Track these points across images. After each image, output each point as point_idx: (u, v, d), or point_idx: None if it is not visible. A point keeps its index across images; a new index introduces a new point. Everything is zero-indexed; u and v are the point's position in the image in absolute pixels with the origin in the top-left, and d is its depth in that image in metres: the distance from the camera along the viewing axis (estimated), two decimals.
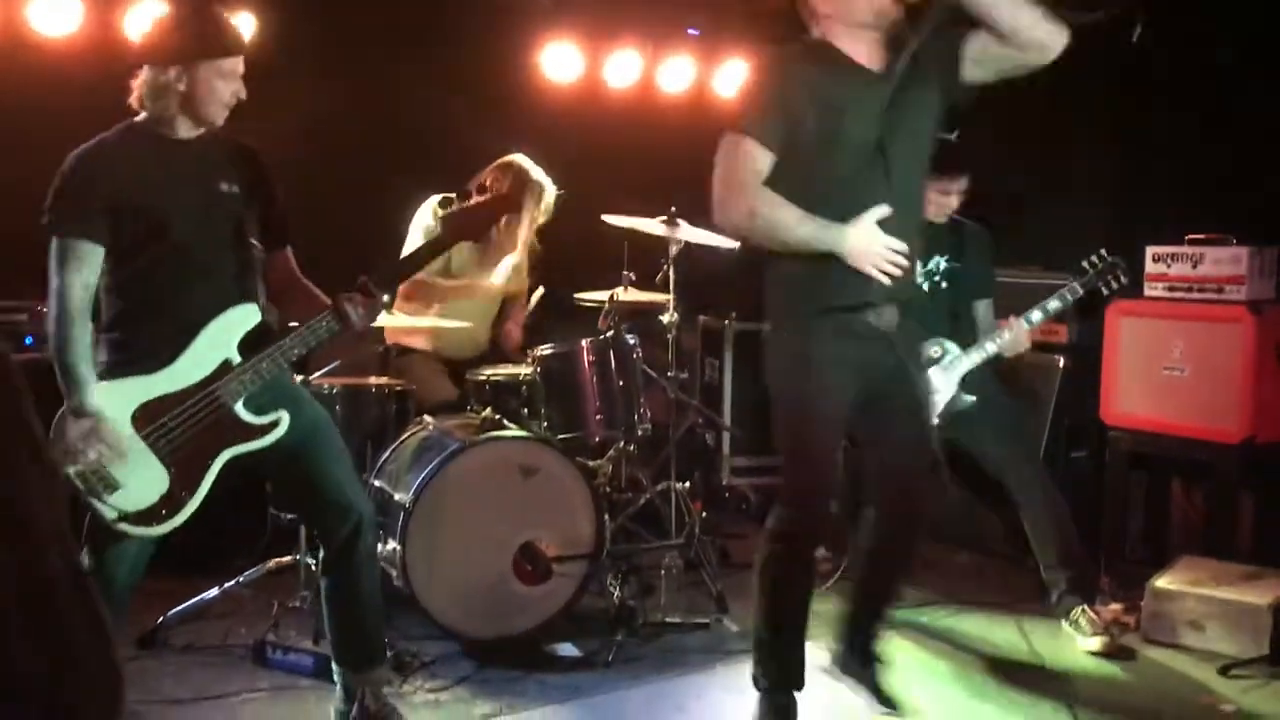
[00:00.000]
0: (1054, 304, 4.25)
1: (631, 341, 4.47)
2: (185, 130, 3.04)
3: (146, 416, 2.96)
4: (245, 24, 4.99)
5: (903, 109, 2.96)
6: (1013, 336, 4.25)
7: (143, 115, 3.04)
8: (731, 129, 2.91)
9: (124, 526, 2.93)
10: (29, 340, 4.34)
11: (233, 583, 4.05)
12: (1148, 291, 4.67)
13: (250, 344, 3.06)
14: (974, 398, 4.23)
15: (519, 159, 4.73)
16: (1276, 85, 4.57)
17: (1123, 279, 4.27)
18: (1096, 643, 4.08)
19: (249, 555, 4.29)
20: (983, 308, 4.44)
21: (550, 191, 4.79)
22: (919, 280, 3.80)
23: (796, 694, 3.31)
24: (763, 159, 2.89)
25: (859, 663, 3.51)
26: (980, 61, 3.00)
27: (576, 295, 4.85)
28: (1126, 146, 5.20)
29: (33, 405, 0.98)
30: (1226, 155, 4.72)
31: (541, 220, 4.82)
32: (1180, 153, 4.91)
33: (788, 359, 3.17)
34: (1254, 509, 4.53)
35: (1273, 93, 4.58)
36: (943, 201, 4.35)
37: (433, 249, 3.33)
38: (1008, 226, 5.06)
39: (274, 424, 3.07)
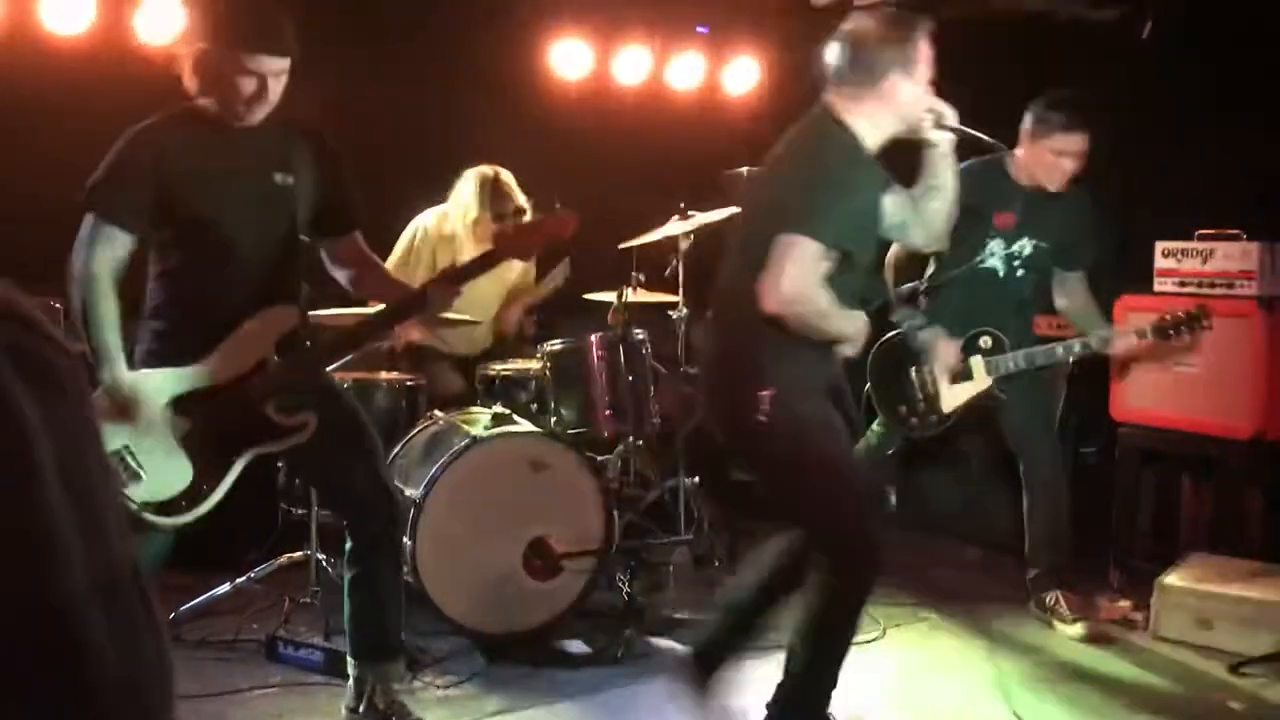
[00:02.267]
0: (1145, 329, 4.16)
1: (641, 337, 4.48)
2: (232, 119, 2.96)
3: (179, 408, 2.96)
4: None
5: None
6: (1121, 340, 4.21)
7: (197, 99, 2.98)
8: (789, 229, 2.92)
9: (145, 516, 2.93)
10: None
11: (244, 578, 4.07)
12: (1158, 287, 4.66)
13: (287, 344, 3.07)
14: (1005, 394, 4.23)
15: (498, 172, 4.77)
16: None
17: (1207, 324, 4.12)
18: (1078, 629, 4.15)
19: (260, 550, 4.31)
20: (1074, 280, 4.31)
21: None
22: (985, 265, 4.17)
23: None
24: (823, 259, 2.96)
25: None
26: (889, 214, 3.19)
27: (586, 295, 4.86)
28: (1138, 141, 5.19)
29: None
30: (1238, 150, 4.71)
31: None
32: (1191, 148, 4.89)
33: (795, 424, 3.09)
34: (1264, 506, 4.51)
35: None
36: (1056, 165, 4.12)
37: (485, 261, 3.24)
38: None
39: (301, 425, 3.06)
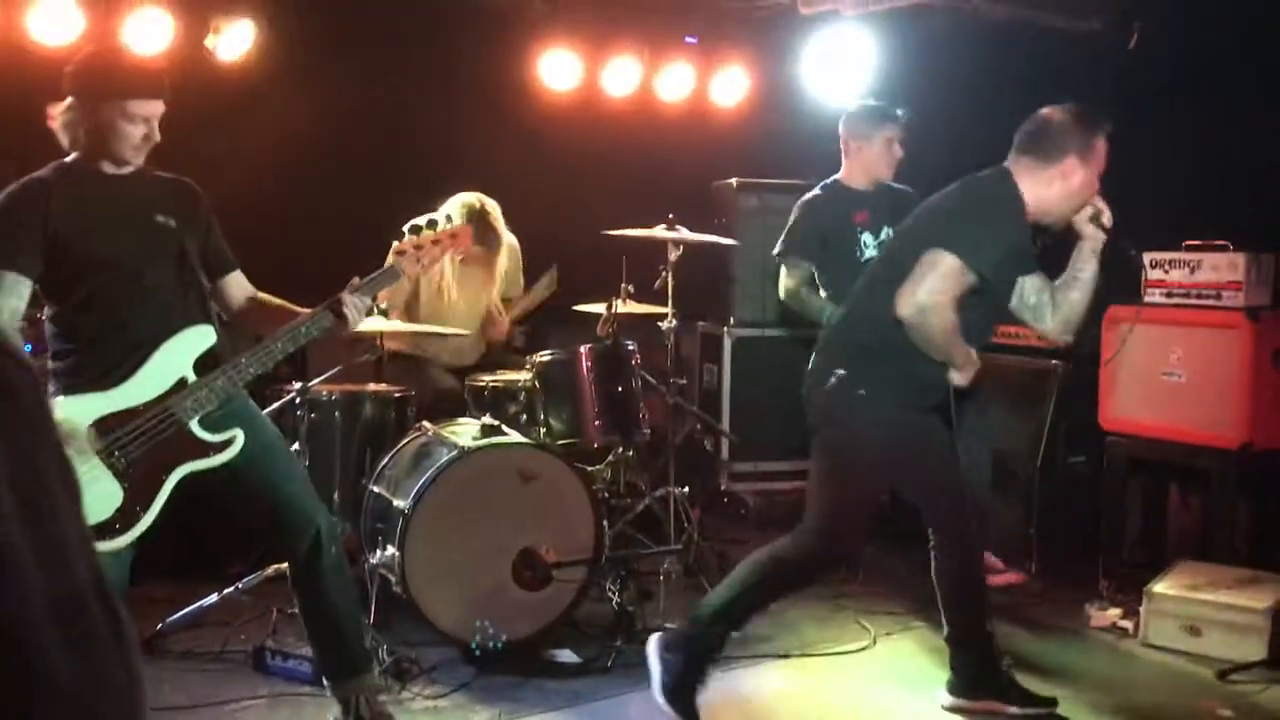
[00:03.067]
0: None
1: (630, 347, 4.48)
2: (111, 167, 3.05)
3: (100, 431, 2.95)
4: (244, 33, 5.02)
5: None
6: None
7: (72, 155, 3.07)
8: (938, 246, 3.24)
9: None
10: (28, 347, 4.34)
11: (231, 589, 4.05)
12: (1146, 298, 4.67)
13: (205, 366, 3.08)
14: None
15: (484, 203, 4.77)
16: (1274, 90, 4.58)
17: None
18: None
19: (247, 562, 4.29)
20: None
21: (512, 243, 4.87)
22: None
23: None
24: (969, 283, 3.26)
25: (996, 678, 3.53)
26: (1021, 294, 3.49)
27: (575, 307, 4.87)
28: (1124, 152, 5.21)
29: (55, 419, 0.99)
30: (1224, 162, 4.73)
31: (507, 265, 4.88)
32: (1178, 159, 4.92)
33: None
34: (1251, 514, 4.53)
35: (1271, 98, 4.59)
36: (889, 152, 4.63)
37: (381, 279, 3.28)
38: None
39: (229, 441, 3.07)
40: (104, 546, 2.95)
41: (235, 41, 5.03)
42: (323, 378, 4.28)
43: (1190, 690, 3.80)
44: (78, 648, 0.86)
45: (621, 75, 6.15)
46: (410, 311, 4.78)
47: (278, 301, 3.29)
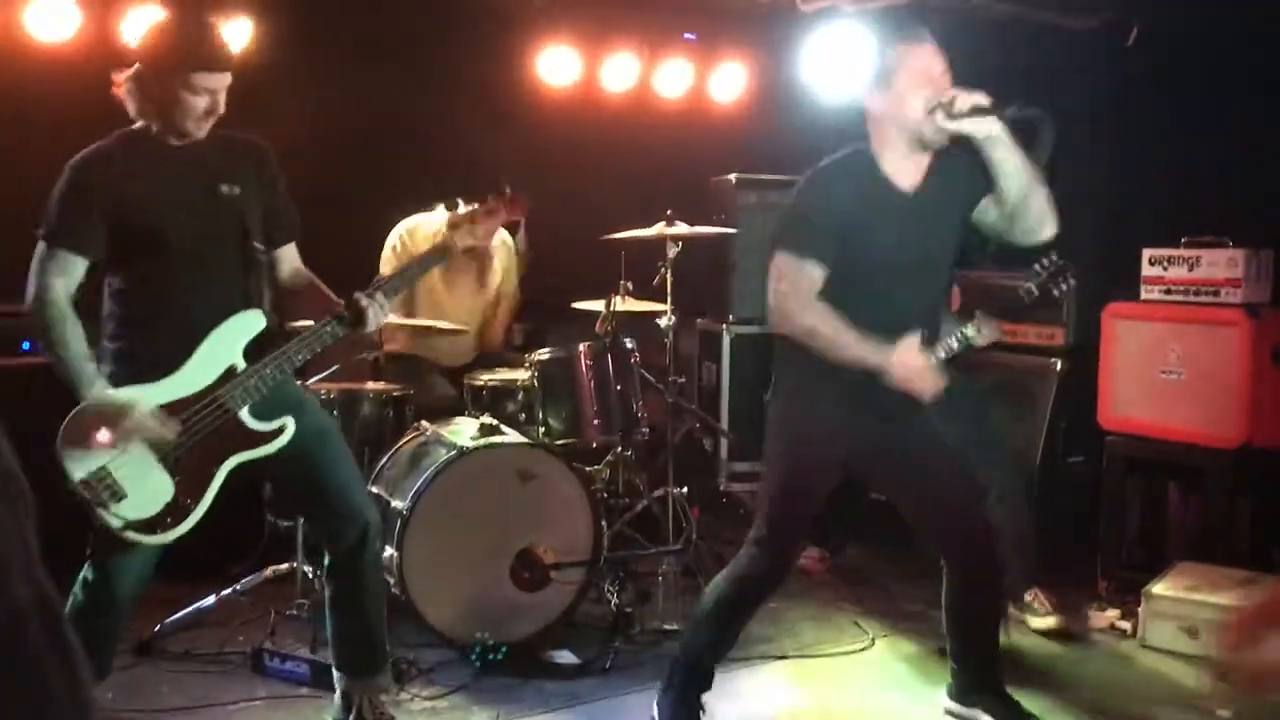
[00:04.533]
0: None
1: (629, 346, 4.47)
2: (177, 137, 3.01)
3: None
4: (241, 30, 5.00)
5: (931, 223, 3.18)
6: (981, 327, 4.11)
7: (139, 123, 3.04)
8: (782, 248, 3.14)
9: (130, 535, 2.92)
10: (26, 345, 4.33)
11: (230, 590, 4.05)
12: (1144, 294, 4.67)
13: (255, 350, 3.05)
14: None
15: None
16: (1273, 87, 4.57)
17: (1070, 281, 3.98)
18: (1049, 621, 4.22)
19: (246, 563, 4.29)
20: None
21: (507, 240, 4.90)
22: None
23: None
24: (818, 276, 3.11)
25: (987, 691, 3.48)
26: (979, 218, 3.25)
27: (574, 304, 4.85)
28: (1124, 148, 5.20)
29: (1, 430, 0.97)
30: (1223, 158, 4.72)
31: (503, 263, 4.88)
32: (1177, 155, 4.91)
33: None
34: (1250, 514, 4.52)
35: (1270, 95, 4.58)
36: None
37: (432, 255, 3.32)
38: None
39: (279, 430, 3.06)
40: (154, 540, 2.96)
41: (232, 39, 5.01)
42: (321, 376, 4.28)
43: (1188, 692, 3.80)
44: (17, 672, 0.84)
45: (620, 71, 6.14)
46: (408, 309, 4.77)
47: (318, 283, 3.26)
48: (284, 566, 4.16)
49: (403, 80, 5.41)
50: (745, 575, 3.33)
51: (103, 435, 2.85)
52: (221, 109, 3.00)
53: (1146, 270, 4.68)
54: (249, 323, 3.07)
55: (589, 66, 6.07)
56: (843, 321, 3.06)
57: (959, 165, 3.17)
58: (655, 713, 3.40)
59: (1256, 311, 4.38)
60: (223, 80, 2.97)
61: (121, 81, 2.99)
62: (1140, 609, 4.18)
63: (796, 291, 3.09)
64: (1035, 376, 5.07)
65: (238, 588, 4.07)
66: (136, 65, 2.98)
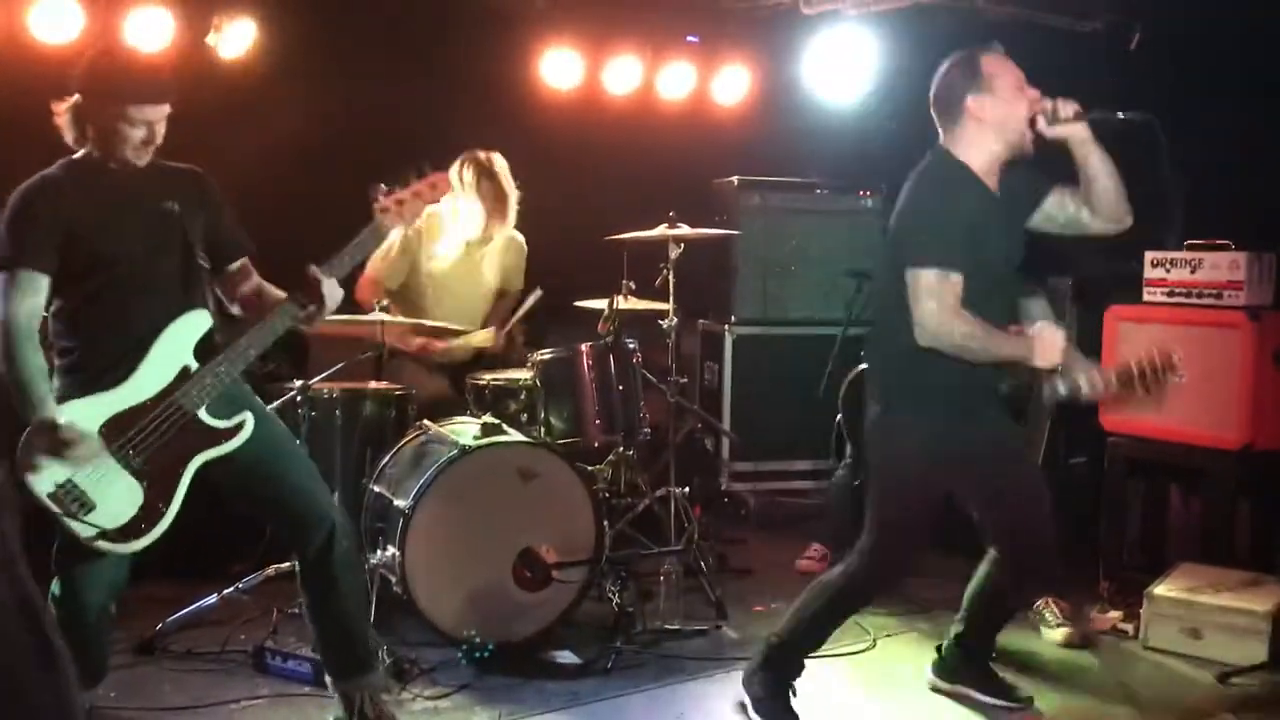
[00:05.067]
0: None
1: (631, 346, 4.48)
2: (117, 164, 3.06)
3: (113, 431, 2.96)
4: (245, 31, 5.01)
5: (1012, 224, 3.37)
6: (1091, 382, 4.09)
7: (80, 151, 3.09)
8: (922, 263, 3.16)
9: (102, 544, 2.92)
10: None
11: (231, 589, 4.04)
12: (1146, 297, 4.68)
13: (205, 349, 3.09)
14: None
15: (492, 159, 4.78)
16: (1275, 90, 4.57)
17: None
18: (1060, 634, 4.20)
19: (248, 561, 4.29)
20: (1035, 306, 4.21)
21: (517, 239, 4.89)
22: None
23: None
24: (960, 284, 3.18)
25: (975, 669, 3.68)
26: (1050, 215, 3.42)
27: (576, 303, 4.86)
28: (1125, 152, 5.20)
29: None
30: (1225, 161, 4.72)
31: (508, 259, 4.88)
32: (1179, 158, 4.90)
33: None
34: (1252, 516, 4.52)
35: (1271, 98, 4.58)
36: None
37: (366, 242, 3.29)
38: None
39: (240, 426, 3.08)
40: (127, 548, 2.97)
41: (236, 40, 5.03)
42: (323, 376, 4.28)
43: (1190, 693, 3.80)
44: None
45: (623, 74, 6.15)
46: (405, 302, 4.77)
47: (279, 293, 3.27)
48: (285, 565, 4.13)
49: (406, 82, 5.41)
50: (852, 581, 3.43)
51: (43, 457, 2.86)
52: (159, 139, 3.06)
53: (1149, 273, 4.68)
54: (196, 322, 3.10)
55: (592, 69, 6.08)
56: (986, 322, 3.17)
57: (1020, 171, 3.33)
58: (746, 692, 3.50)
59: (1258, 314, 4.38)
60: (159, 112, 3.03)
61: (61, 111, 3.06)
62: (1142, 610, 4.18)
63: (945, 306, 3.13)
64: (1037, 378, 5.06)
65: (239, 586, 4.06)
66: (76, 95, 3.03)
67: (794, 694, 3.50)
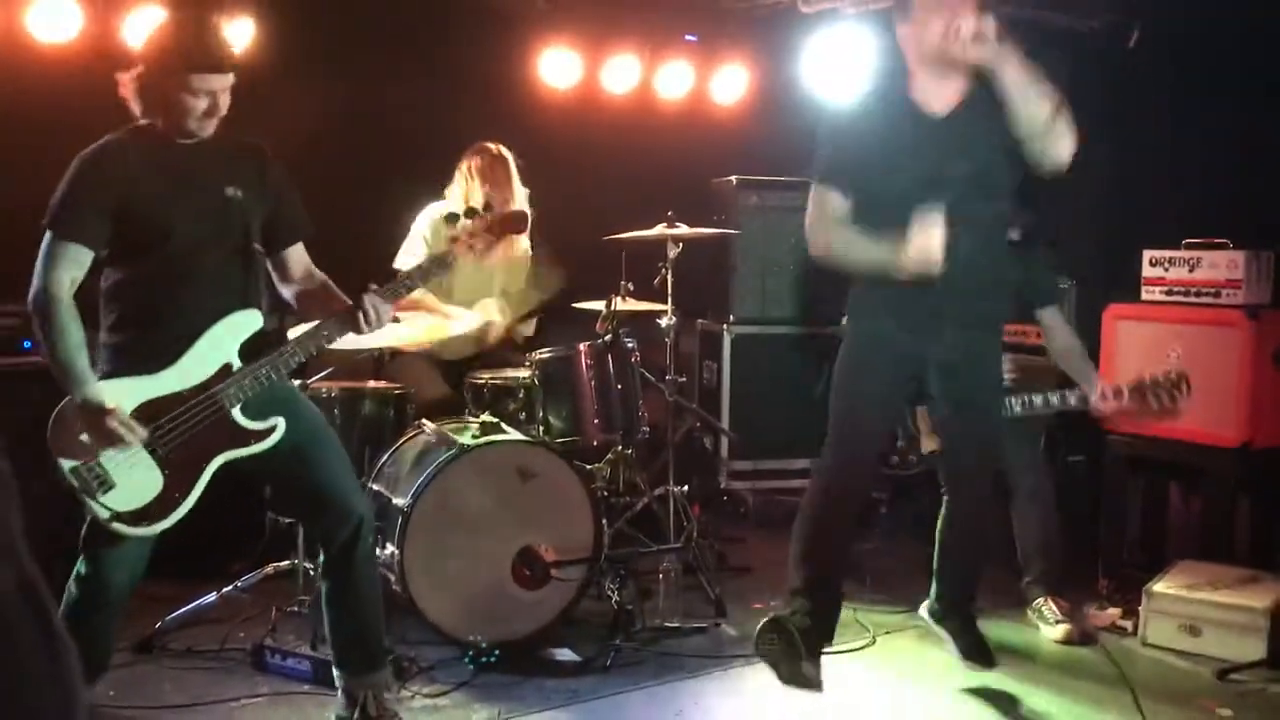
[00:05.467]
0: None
1: (630, 345, 4.48)
2: (182, 136, 3.04)
3: (144, 416, 2.96)
4: (243, 29, 5.01)
5: (966, 143, 3.34)
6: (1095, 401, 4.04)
7: (145, 120, 3.06)
8: (812, 176, 3.46)
9: (117, 526, 2.93)
10: (28, 344, 4.33)
11: (231, 587, 4.05)
12: (1145, 295, 4.69)
13: (251, 349, 3.08)
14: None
15: (503, 150, 4.77)
16: (1273, 89, 4.58)
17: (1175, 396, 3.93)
18: (1059, 631, 4.21)
19: (247, 560, 4.29)
20: (1051, 315, 4.30)
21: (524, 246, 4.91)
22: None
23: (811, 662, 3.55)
24: (840, 201, 3.42)
25: (957, 619, 3.81)
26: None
27: (575, 305, 4.86)
28: (1125, 150, 5.21)
29: None
30: (1224, 160, 4.73)
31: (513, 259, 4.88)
32: (1178, 157, 4.92)
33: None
34: (1251, 513, 4.53)
35: (1270, 97, 4.59)
36: None
37: (432, 266, 3.33)
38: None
39: (270, 430, 3.08)
40: (140, 532, 2.97)
41: (234, 39, 5.01)
42: (321, 375, 4.28)
43: (1189, 690, 3.80)
44: None
45: (621, 73, 6.15)
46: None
47: (330, 285, 3.28)
48: (285, 563, 4.16)
49: (404, 81, 5.42)
50: (810, 499, 3.67)
51: (84, 436, 2.87)
52: (224, 110, 3.03)
53: (1147, 271, 4.69)
54: (246, 321, 3.09)
55: (590, 68, 6.08)
56: (863, 235, 3.34)
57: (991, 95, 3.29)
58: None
59: (1257, 313, 4.38)
60: (223, 81, 3.00)
61: (125, 82, 3.03)
62: (1141, 607, 4.19)
63: (820, 216, 3.42)
64: (1035, 375, 5.07)
65: (239, 584, 4.07)
66: (139, 66, 3.01)
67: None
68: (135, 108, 3.04)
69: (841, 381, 3.61)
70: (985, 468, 3.72)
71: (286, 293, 3.31)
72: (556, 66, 5.96)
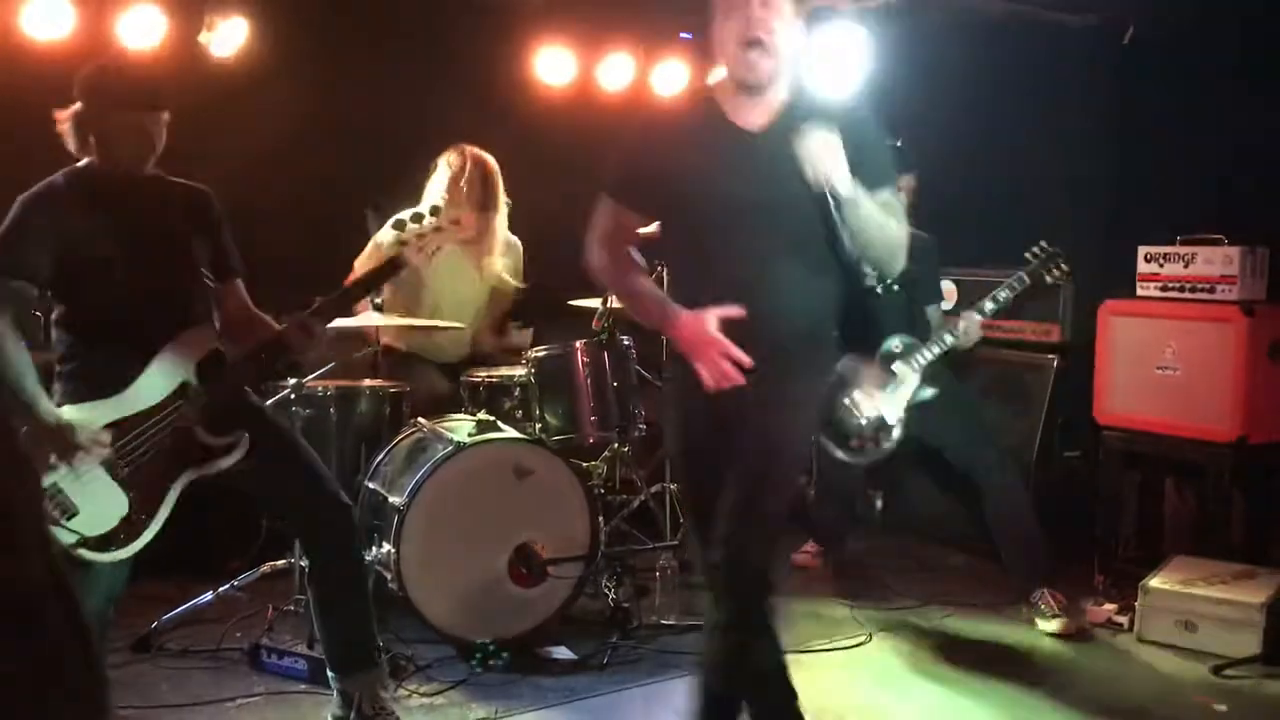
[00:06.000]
0: (1003, 294, 4.29)
1: (626, 342, 4.48)
2: (119, 173, 3.08)
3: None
4: (238, 28, 5.00)
5: (779, 164, 2.74)
6: (966, 327, 4.30)
7: (84, 160, 3.10)
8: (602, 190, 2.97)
9: (82, 552, 2.91)
10: (28, 344, 4.32)
11: (227, 587, 4.05)
12: (1140, 291, 4.69)
13: (208, 368, 3.09)
14: (935, 390, 4.24)
15: (477, 152, 4.76)
16: (1269, 85, 4.58)
17: (1064, 267, 4.31)
18: (1055, 624, 4.22)
19: (243, 559, 4.29)
20: (933, 311, 4.53)
21: (512, 241, 4.90)
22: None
23: None
24: (612, 213, 3.03)
25: None
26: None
27: (571, 302, 4.85)
28: (1120, 146, 5.21)
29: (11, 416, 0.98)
30: (1219, 156, 4.73)
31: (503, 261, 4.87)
32: (1173, 153, 4.92)
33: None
34: (1246, 508, 4.53)
35: (1266, 93, 4.59)
36: None
37: (385, 270, 3.37)
38: (1001, 225, 5.08)
39: (234, 444, 3.08)
40: (106, 558, 2.95)
41: (229, 38, 5.02)
42: (317, 373, 4.27)
43: (1185, 685, 3.81)
44: (29, 645, 0.85)
45: (617, 71, 6.14)
46: (407, 300, 4.76)
47: (270, 321, 3.30)
48: (281, 562, 4.16)
49: (399, 79, 5.41)
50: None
51: (49, 457, 2.87)
52: (159, 147, 3.09)
53: (1142, 267, 4.69)
54: (199, 338, 3.12)
55: (585, 66, 6.08)
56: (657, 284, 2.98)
57: (811, 111, 2.83)
58: None
59: (1251, 308, 4.39)
60: (159, 118, 3.06)
61: (63, 119, 3.07)
62: (1137, 603, 4.19)
63: (592, 231, 3.06)
64: (1032, 373, 5.09)
65: (235, 584, 4.07)
66: (77, 104, 3.05)
67: None
68: (71, 145, 3.09)
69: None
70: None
71: (219, 324, 3.32)
72: (552, 64, 5.95)
